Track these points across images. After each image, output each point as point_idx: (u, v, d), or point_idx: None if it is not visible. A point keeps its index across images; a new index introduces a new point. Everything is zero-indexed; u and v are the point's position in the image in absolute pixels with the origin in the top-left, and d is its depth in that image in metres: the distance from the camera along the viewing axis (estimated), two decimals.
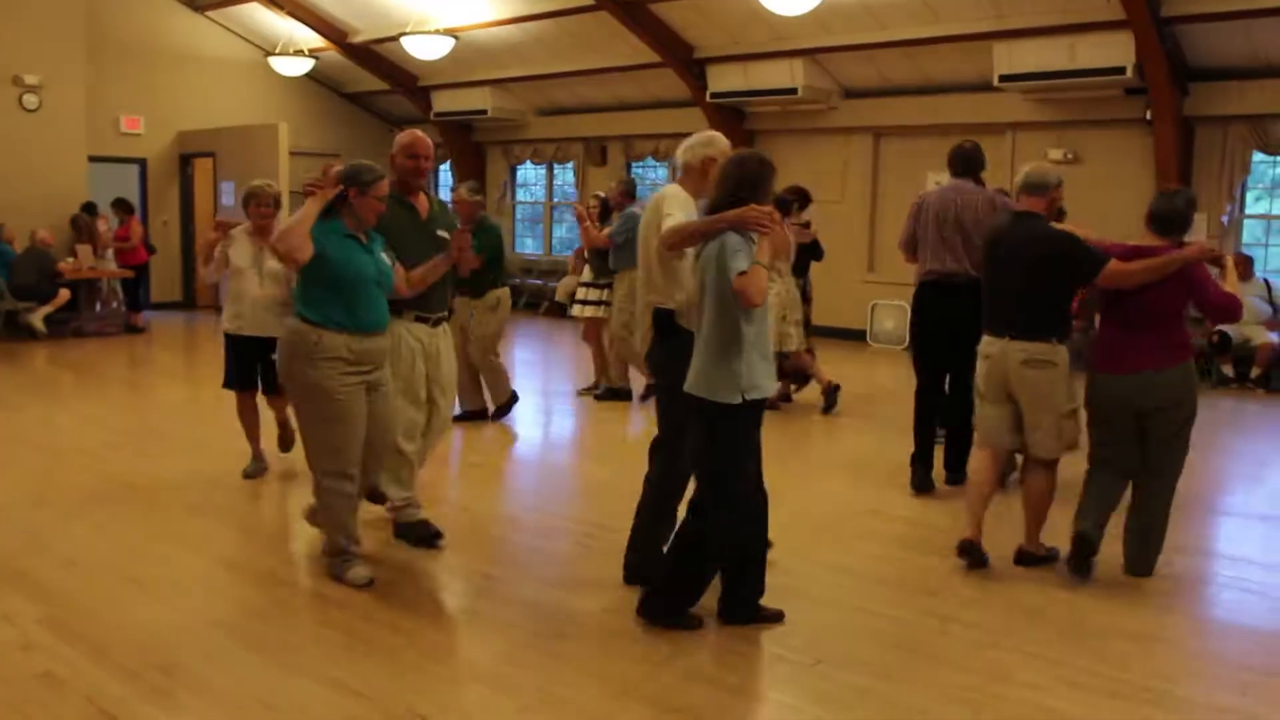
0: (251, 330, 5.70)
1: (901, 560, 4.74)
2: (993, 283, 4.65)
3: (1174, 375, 4.35)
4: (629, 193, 8.31)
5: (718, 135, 4.19)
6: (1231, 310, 4.40)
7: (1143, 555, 4.53)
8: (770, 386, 3.79)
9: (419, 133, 4.73)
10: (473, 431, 7.42)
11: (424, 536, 4.75)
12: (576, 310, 8.63)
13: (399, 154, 4.66)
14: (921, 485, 5.87)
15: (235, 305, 5.74)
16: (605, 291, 8.31)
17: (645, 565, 4.20)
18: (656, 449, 4.24)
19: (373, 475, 4.42)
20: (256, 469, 5.91)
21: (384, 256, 4.31)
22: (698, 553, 3.85)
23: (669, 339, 4.01)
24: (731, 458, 3.74)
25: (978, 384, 4.71)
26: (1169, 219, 4.43)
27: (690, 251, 3.86)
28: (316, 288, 4.14)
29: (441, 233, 4.73)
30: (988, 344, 4.62)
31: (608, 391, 8.45)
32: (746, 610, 3.92)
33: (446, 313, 4.85)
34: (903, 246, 6.15)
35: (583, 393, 8.70)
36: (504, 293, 7.46)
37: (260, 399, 5.98)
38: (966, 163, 5.98)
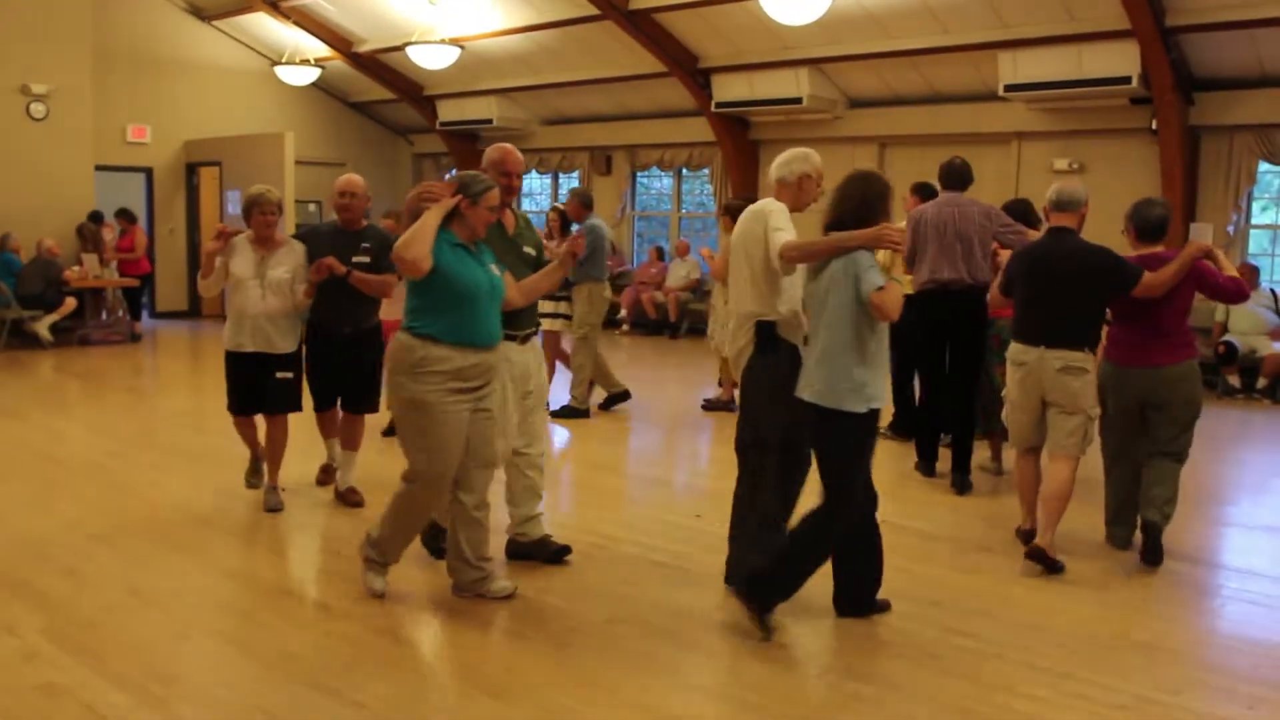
0: (254, 347, 5.31)
1: (906, 571, 4.70)
2: (1029, 295, 4.83)
3: (1181, 370, 4.76)
4: (586, 204, 8.21)
5: (811, 152, 4.30)
6: (1241, 290, 4.83)
7: (1159, 525, 4.76)
8: (885, 397, 3.92)
9: (510, 147, 4.60)
10: None
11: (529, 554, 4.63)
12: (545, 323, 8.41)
13: (491, 169, 4.47)
14: (928, 471, 6.42)
15: (236, 321, 5.34)
16: (564, 304, 8.21)
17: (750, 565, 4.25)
18: (744, 451, 4.32)
19: (464, 491, 4.16)
20: (259, 480, 5.68)
21: (494, 268, 4.16)
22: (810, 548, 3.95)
23: (770, 351, 4.13)
24: (855, 465, 3.90)
25: (1010, 389, 4.96)
26: (1158, 226, 4.87)
27: (800, 265, 4.02)
28: (427, 300, 3.98)
29: (528, 249, 4.64)
30: (1022, 352, 4.82)
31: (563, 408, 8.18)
32: (772, 591, 3.92)
33: (535, 329, 4.71)
34: (902, 259, 6.40)
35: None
36: None
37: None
38: (958, 176, 6.29)
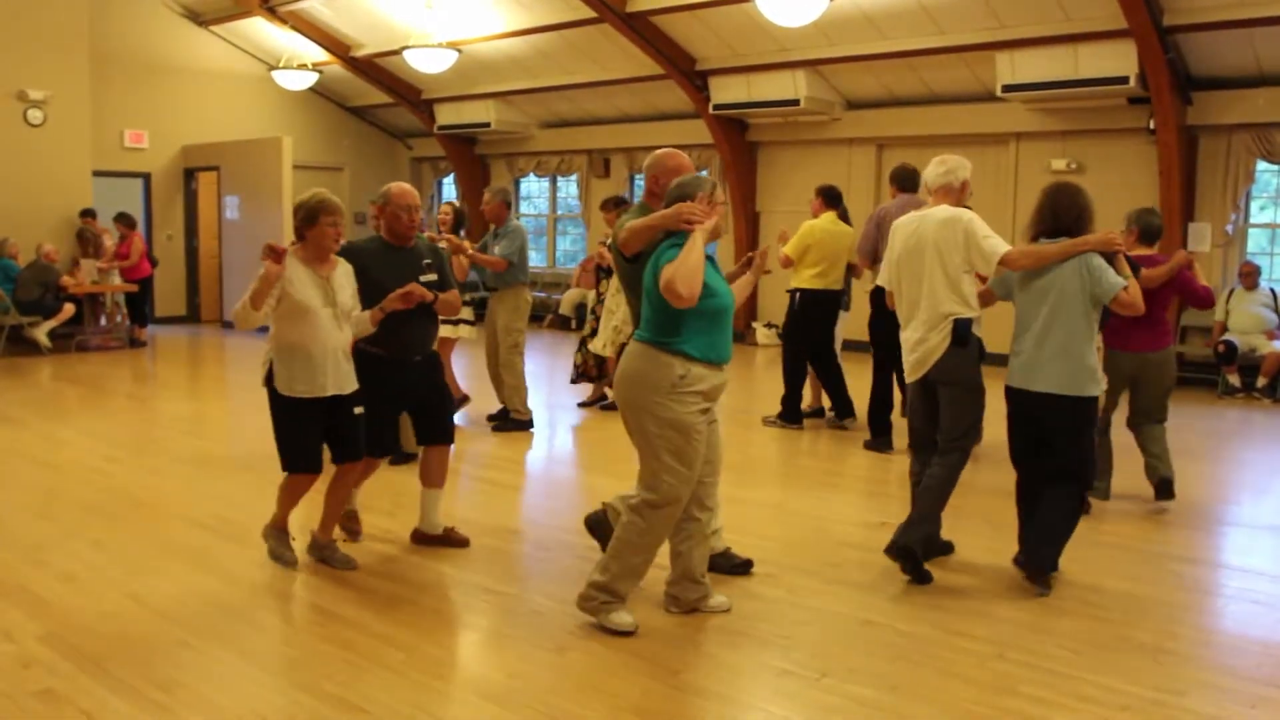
0: (335, 389, 4.46)
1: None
2: None
3: (1163, 355, 5.65)
4: (507, 204, 7.86)
5: (963, 159, 4.70)
6: (1211, 299, 5.82)
7: (1170, 477, 5.66)
8: None
9: (680, 152, 4.27)
10: (473, 445, 7.40)
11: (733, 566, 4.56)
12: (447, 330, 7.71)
13: (663, 175, 4.13)
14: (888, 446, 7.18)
15: (307, 360, 4.38)
16: (471, 310, 7.81)
17: (922, 545, 4.55)
18: (946, 448, 4.58)
19: (700, 508, 4.03)
20: (292, 554, 4.76)
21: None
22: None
23: (964, 346, 4.49)
24: (1092, 442, 4.46)
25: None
26: (1156, 231, 5.76)
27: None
28: (680, 315, 3.68)
29: None
30: None
31: (507, 420, 7.87)
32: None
33: None
34: (862, 253, 7.23)
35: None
36: None
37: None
38: (910, 180, 7.16)
